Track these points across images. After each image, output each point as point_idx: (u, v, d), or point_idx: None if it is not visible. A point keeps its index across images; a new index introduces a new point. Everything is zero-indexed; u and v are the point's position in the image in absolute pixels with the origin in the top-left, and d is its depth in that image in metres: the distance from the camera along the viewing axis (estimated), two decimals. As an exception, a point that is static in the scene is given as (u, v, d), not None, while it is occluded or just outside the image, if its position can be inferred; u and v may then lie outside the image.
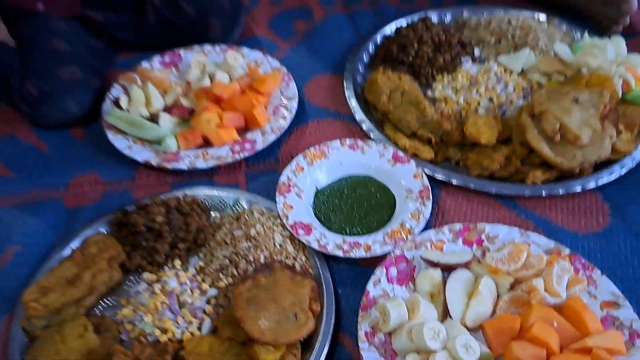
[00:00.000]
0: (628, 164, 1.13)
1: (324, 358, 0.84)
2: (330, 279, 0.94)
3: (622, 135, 1.15)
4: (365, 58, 1.43)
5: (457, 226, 1.00)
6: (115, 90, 1.28)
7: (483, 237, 0.99)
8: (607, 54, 1.31)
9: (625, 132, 1.17)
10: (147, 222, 0.98)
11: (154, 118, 1.18)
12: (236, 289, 0.88)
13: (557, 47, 1.35)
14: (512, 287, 0.92)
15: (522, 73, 1.37)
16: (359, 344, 0.84)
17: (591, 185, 1.09)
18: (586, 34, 1.42)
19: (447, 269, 0.94)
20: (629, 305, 0.88)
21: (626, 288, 0.94)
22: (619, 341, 0.83)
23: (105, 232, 1.02)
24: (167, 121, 1.18)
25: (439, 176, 1.12)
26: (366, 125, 1.23)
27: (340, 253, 0.96)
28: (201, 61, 1.34)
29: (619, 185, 1.11)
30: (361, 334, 0.85)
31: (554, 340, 0.82)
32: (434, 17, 1.54)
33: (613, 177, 1.11)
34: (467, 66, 1.39)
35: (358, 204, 1.08)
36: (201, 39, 1.43)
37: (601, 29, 1.50)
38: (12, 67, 1.18)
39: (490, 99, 1.29)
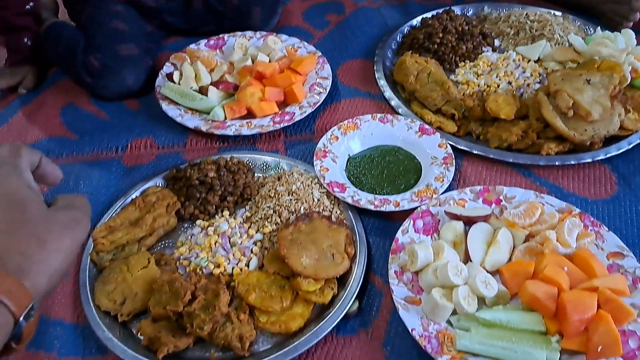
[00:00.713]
0: (635, 140, 1.22)
1: (356, 292, 0.95)
2: (362, 228, 1.05)
3: (630, 115, 1.26)
4: (394, 45, 1.55)
5: (478, 188, 1.11)
6: (167, 68, 1.41)
7: (501, 197, 1.10)
8: (618, 44, 1.42)
9: (633, 113, 1.27)
10: (200, 177, 1.09)
11: (202, 91, 1.31)
12: (280, 233, 1.00)
13: (572, 37, 1.46)
14: (527, 239, 1.02)
15: (539, 61, 1.48)
16: (389, 281, 0.95)
17: (601, 157, 1.19)
18: (599, 29, 1.53)
19: (469, 222, 1.04)
20: (633, 256, 0.98)
21: (630, 244, 1.03)
22: (623, 283, 0.92)
23: (162, 186, 1.14)
24: (214, 94, 1.31)
25: (461, 146, 1.23)
26: (395, 102, 1.34)
27: (371, 207, 1.07)
28: (244, 44, 1.47)
29: (627, 157, 1.21)
30: (391, 272, 0.96)
31: (564, 280, 0.92)
32: (456, 11, 1.66)
33: (621, 150, 1.21)
34: (488, 54, 1.50)
35: (387, 169, 1.19)
36: (243, 26, 1.56)
37: (612, 26, 1.61)
38: (78, 43, 1.32)
39: (509, 82, 1.40)
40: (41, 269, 0.46)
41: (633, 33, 1.46)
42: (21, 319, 0.44)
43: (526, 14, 1.60)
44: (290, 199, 1.08)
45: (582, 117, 1.19)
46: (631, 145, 1.22)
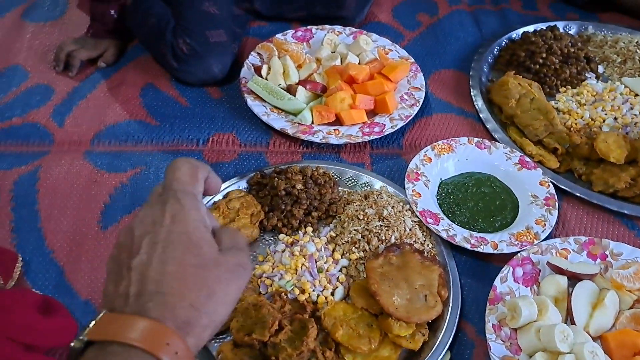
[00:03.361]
0: None
1: (449, 342, 0.88)
2: (455, 267, 0.98)
3: None
4: (490, 59, 1.45)
5: (583, 239, 1.02)
6: (253, 58, 1.33)
7: (607, 252, 1.01)
8: None
9: None
10: (287, 187, 1.03)
11: (290, 90, 1.24)
12: (370, 263, 0.93)
13: (688, 76, 1.34)
14: (634, 305, 0.94)
15: (647, 97, 1.37)
16: (487, 335, 0.88)
17: None
18: None
19: (573, 278, 0.96)
20: None
21: None
22: None
23: (245, 190, 1.08)
24: (303, 94, 1.23)
25: (562, 185, 1.14)
26: (491, 125, 1.25)
27: (468, 246, 0.99)
28: (333, 40, 1.38)
29: None
30: (489, 325, 0.89)
31: (680, 362, 0.84)
32: (559, 27, 1.54)
33: None
34: (592, 82, 1.39)
35: (482, 201, 1.11)
36: (334, 15, 1.47)
37: None
38: (168, 23, 1.24)
39: (615, 118, 1.29)
40: (207, 323, 0.43)
41: None
42: None
43: (636, 42, 1.48)
44: (381, 225, 1.01)
45: (703, 173, 1.09)
46: None
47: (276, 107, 1.22)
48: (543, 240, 1.02)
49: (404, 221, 1.02)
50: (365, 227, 1.01)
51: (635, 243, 1.08)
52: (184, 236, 0.44)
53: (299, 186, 1.04)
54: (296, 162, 1.13)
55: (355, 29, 1.45)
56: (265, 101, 1.23)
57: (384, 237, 1.00)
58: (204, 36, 1.23)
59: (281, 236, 1.01)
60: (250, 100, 1.22)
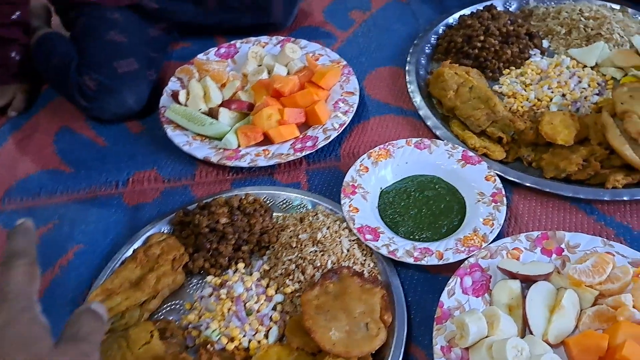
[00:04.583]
0: None
1: (396, 372, 0.80)
2: (400, 286, 0.90)
3: None
4: (427, 50, 1.37)
5: (535, 234, 0.94)
6: (173, 84, 1.25)
7: (563, 246, 0.93)
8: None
9: None
10: (210, 223, 0.95)
11: (212, 113, 1.15)
12: (304, 296, 0.85)
13: (636, 40, 1.27)
14: (596, 301, 0.86)
15: (596, 67, 1.29)
16: (435, 359, 0.80)
17: (679, 188, 1.02)
18: (666, 26, 1.33)
19: (526, 281, 0.88)
20: None
21: None
22: None
23: (167, 232, 1.00)
24: (226, 116, 1.15)
25: (511, 177, 1.06)
26: (432, 122, 1.17)
27: (411, 260, 0.91)
28: (258, 53, 1.30)
29: None
30: (437, 349, 0.81)
31: (648, 363, 0.76)
32: (498, 5, 1.46)
33: (703, 182, 1.03)
34: (537, 59, 1.31)
35: (426, 206, 1.03)
36: (261, 21, 1.40)
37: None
38: (71, 61, 1.16)
39: (563, 95, 1.21)
40: None
41: None
42: None
43: (580, 10, 1.40)
44: (316, 251, 0.93)
45: (657, 144, 1.01)
46: None
47: (199, 134, 1.14)
48: (492, 242, 0.94)
49: (340, 242, 0.94)
50: (299, 254, 0.93)
51: (595, 229, 1.00)
52: (16, 337, 0.44)
53: (224, 220, 0.95)
54: (224, 192, 1.05)
55: (282, 37, 1.37)
56: (187, 129, 1.14)
57: (319, 264, 0.91)
58: (111, 68, 1.15)
59: (209, 278, 0.93)
60: (170, 131, 1.14)
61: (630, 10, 1.43)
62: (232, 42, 1.36)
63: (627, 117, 1.03)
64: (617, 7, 1.43)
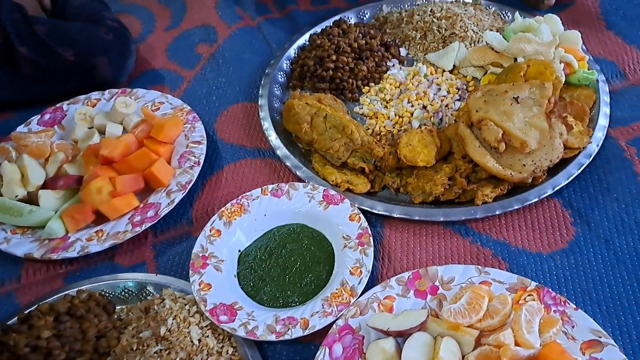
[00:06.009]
0: (584, 160, 0.99)
1: None
2: (265, 371, 0.78)
3: (573, 130, 1.02)
4: (281, 78, 1.26)
5: (407, 275, 0.85)
6: (-14, 168, 1.07)
7: (437, 283, 0.85)
8: (543, 35, 1.18)
9: (576, 124, 1.04)
10: (30, 341, 0.78)
11: (33, 197, 0.99)
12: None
13: (488, 35, 1.21)
14: (478, 341, 0.78)
15: (454, 69, 1.23)
16: None
17: (548, 191, 0.96)
18: (517, 15, 1.28)
19: (400, 336, 0.78)
20: (613, 342, 0.75)
21: (606, 315, 0.82)
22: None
23: (-17, 359, 0.82)
24: (49, 199, 0.98)
25: (379, 210, 0.97)
26: (290, 161, 1.06)
27: (273, 337, 0.80)
28: (87, 113, 1.14)
29: (579, 185, 0.99)
30: None
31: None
32: (351, 16, 1.37)
33: (571, 178, 0.97)
34: (395, 71, 1.23)
35: (290, 263, 0.92)
36: (89, 82, 1.23)
37: (532, 5, 1.37)
38: None
39: (424, 107, 1.14)
40: None
41: (558, 18, 1.22)
42: None
43: (431, 11, 1.33)
44: (160, 350, 0.79)
45: (517, 149, 0.95)
46: (581, 169, 0.99)
47: (19, 227, 0.97)
48: (362, 293, 0.84)
49: (189, 333, 0.80)
50: (142, 357, 0.78)
51: (472, 252, 0.93)
52: None
53: (47, 333, 0.79)
54: (55, 292, 0.89)
55: (116, 91, 1.21)
56: (3, 223, 0.97)
57: (165, 365, 0.78)
58: None
59: (38, 410, 0.77)
60: (-17, 229, 0.96)
61: (483, 1, 1.38)
62: (58, 104, 1.19)
63: (484, 125, 0.97)
64: (470, 0, 1.38)
